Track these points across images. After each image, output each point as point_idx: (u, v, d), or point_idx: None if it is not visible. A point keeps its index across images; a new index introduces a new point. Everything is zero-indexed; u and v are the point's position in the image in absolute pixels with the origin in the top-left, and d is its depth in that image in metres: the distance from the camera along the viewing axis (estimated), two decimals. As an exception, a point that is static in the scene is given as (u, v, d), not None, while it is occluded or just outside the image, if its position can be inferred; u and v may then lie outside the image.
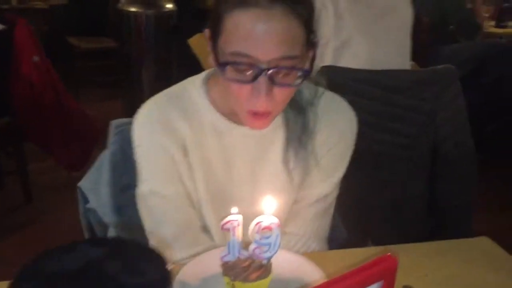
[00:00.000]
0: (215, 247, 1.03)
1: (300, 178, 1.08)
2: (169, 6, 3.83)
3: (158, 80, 3.92)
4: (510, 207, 2.96)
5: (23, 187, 2.82)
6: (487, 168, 2.38)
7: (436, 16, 3.27)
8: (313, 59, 0.95)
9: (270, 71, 0.86)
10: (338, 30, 2.08)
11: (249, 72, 0.88)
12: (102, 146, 1.30)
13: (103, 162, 1.26)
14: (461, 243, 1.10)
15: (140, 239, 1.17)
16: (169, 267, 0.37)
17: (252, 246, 0.83)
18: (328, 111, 1.07)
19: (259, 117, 0.92)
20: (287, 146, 1.05)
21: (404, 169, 1.99)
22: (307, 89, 1.06)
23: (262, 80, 0.87)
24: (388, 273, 0.53)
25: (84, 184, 1.28)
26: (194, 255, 0.99)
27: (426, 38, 3.09)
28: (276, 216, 1.05)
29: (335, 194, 1.13)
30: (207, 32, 0.95)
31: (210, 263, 0.88)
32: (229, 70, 0.89)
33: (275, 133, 1.05)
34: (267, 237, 0.82)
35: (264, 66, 0.86)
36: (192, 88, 1.04)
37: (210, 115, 1.03)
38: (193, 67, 1.12)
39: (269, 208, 0.83)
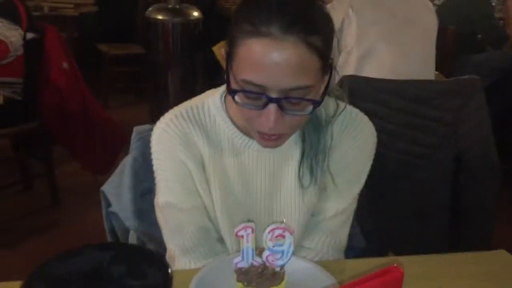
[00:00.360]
0: (231, 255, 1.04)
1: (315, 194, 1.07)
2: (195, 14, 3.88)
3: (184, 86, 3.97)
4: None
5: (51, 190, 2.89)
6: (510, 179, 2.34)
7: (462, 25, 3.23)
8: (328, 82, 0.94)
9: (280, 101, 0.86)
10: (362, 40, 2.09)
11: (259, 100, 0.88)
12: (128, 151, 1.33)
13: (125, 167, 1.29)
14: (479, 256, 1.08)
15: (159, 244, 1.20)
16: (171, 271, 0.38)
17: (265, 254, 0.84)
18: (347, 127, 1.05)
19: (269, 138, 0.93)
20: (303, 163, 1.04)
21: (425, 179, 1.98)
22: (328, 105, 1.05)
23: (272, 108, 0.87)
24: (393, 284, 0.54)
25: (107, 188, 1.31)
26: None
27: (452, 47, 3.05)
28: (293, 231, 1.06)
29: (352, 207, 1.12)
30: (223, 50, 0.95)
31: (224, 269, 0.90)
32: (239, 96, 0.90)
33: (292, 149, 1.04)
34: (280, 245, 0.84)
35: (274, 95, 0.86)
36: (210, 102, 1.05)
37: (227, 130, 1.04)
38: (217, 74, 1.14)
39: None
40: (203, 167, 1.04)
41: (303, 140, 1.04)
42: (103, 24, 4.79)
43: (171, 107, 1.08)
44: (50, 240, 2.59)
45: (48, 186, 2.89)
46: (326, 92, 0.94)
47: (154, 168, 1.06)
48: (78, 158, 2.91)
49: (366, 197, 1.84)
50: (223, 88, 1.06)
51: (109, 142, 2.85)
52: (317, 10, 0.90)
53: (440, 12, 2.88)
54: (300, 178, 1.05)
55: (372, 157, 1.10)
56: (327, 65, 0.91)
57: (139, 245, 1.02)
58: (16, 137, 2.87)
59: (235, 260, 0.85)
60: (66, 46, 2.78)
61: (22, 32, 2.55)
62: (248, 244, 0.84)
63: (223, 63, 0.96)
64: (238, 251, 1.02)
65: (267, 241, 0.83)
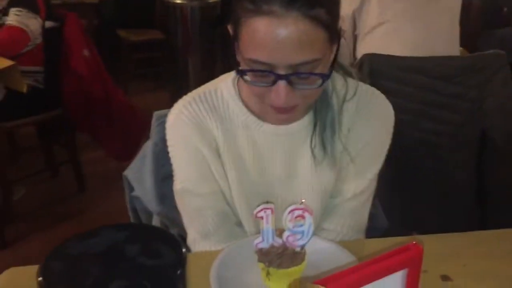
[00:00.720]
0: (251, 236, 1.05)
1: (331, 175, 1.06)
2: (213, -3, 3.87)
3: (203, 70, 3.98)
4: None
5: (76, 177, 2.94)
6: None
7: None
8: (337, 51, 0.92)
9: (289, 77, 0.86)
10: (384, 17, 2.05)
11: (268, 77, 0.87)
12: (149, 136, 1.34)
13: (146, 152, 1.30)
14: (504, 233, 1.07)
15: (182, 227, 1.22)
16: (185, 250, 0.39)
17: (285, 234, 0.84)
18: (362, 106, 1.04)
19: (283, 111, 0.93)
20: (317, 143, 1.03)
21: (450, 157, 1.95)
22: (338, 83, 1.04)
23: (281, 84, 0.87)
24: (413, 261, 0.53)
25: (129, 173, 1.33)
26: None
27: (477, 22, 2.98)
28: (312, 211, 1.06)
29: (372, 188, 1.11)
30: (230, 29, 0.94)
31: (245, 250, 0.90)
32: (249, 74, 0.90)
33: (305, 131, 1.03)
34: (300, 226, 0.84)
35: (282, 72, 0.86)
36: (223, 87, 1.05)
37: (241, 114, 1.03)
38: (236, 58, 1.13)
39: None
40: (217, 152, 1.04)
41: (316, 121, 1.03)
42: (122, 10, 4.80)
43: (191, 91, 1.08)
44: (77, 226, 2.65)
45: (73, 173, 2.94)
46: (335, 62, 0.92)
47: (170, 154, 1.06)
48: (101, 145, 2.95)
49: (389, 177, 1.83)
50: (235, 72, 1.06)
51: (131, 128, 2.87)
52: None
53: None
54: (316, 159, 1.04)
55: (390, 136, 1.08)
56: (334, 34, 0.89)
57: (154, 225, 1.04)
58: (40, 125, 2.92)
59: (256, 241, 0.86)
60: (86, 33, 2.80)
61: (41, 21, 2.57)
62: (268, 225, 0.84)
63: None
64: (257, 233, 1.03)
65: (287, 221, 0.83)
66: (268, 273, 0.85)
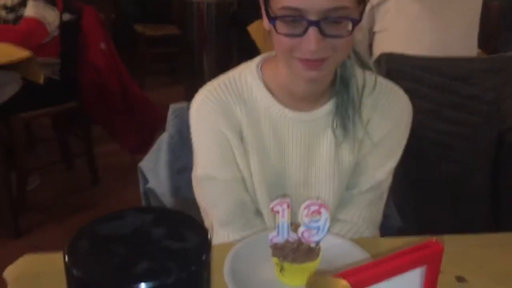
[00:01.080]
0: (267, 230, 1.05)
1: (352, 164, 1.08)
2: (230, -7, 3.87)
3: (219, 66, 3.98)
4: None
5: (90, 169, 2.96)
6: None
7: (507, 0, 3.11)
8: (362, 10, 0.94)
9: (319, 23, 0.88)
10: (401, 16, 2.04)
11: (299, 25, 0.89)
12: (164, 130, 1.35)
13: (161, 144, 1.31)
14: (521, 236, 1.06)
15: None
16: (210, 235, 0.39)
17: (301, 229, 0.84)
18: (382, 98, 1.06)
19: (312, 64, 0.93)
20: (337, 132, 1.05)
21: (465, 160, 1.93)
22: (358, 74, 1.05)
23: (312, 32, 0.88)
24: (432, 258, 0.53)
25: (144, 164, 1.33)
26: (247, 238, 1.02)
27: (496, 24, 2.94)
28: (328, 202, 1.06)
29: (388, 182, 1.12)
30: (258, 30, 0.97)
31: (260, 243, 0.90)
32: (279, 25, 0.91)
33: (326, 118, 1.05)
34: (316, 221, 0.83)
35: (313, 18, 0.88)
36: (247, 72, 1.06)
37: (264, 100, 1.05)
38: (252, 54, 1.14)
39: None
40: (241, 137, 1.05)
41: (337, 111, 1.05)
42: (140, 5, 4.82)
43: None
44: (90, 217, 2.60)
45: (88, 165, 2.96)
46: (362, 17, 0.94)
47: (193, 140, 1.07)
48: (116, 137, 2.96)
49: (404, 178, 1.82)
50: (258, 58, 1.08)
51: (146, 122, 2.89)
52: None
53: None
54: (337, 149, 1.05)
55: (408, 131, 1.10)
56: None
57: (179, 210, 1.04)
58: (56, 117, 2.94)
59: (271, 236, 0.85)
60: (104, 27, 2.81)
61: (58, 13, 2.59)
62: (283, 219, 0.84)
63: (259, 43, 0.97)
64: (275, 223, 1.03)
65: (303, 217, 0.83)
66: (282, 268, 0.85)
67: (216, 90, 1.05)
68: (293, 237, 0.85)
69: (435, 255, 0.52)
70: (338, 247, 0.92)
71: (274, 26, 0.92)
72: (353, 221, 1.09)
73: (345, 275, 0.46)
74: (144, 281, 0.33)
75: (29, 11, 2.52)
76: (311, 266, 0.85)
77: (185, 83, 4.30)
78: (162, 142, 1.31)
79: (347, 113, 1.04)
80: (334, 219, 1.09)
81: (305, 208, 0.83)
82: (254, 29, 2.63)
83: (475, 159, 1.93)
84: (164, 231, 0.37)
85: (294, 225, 0.86)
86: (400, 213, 1.41)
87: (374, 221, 1.12)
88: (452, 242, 0.98)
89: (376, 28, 2.12)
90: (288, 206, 0.84)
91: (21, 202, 2.63)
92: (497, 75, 1.87)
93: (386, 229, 1.25)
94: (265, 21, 0.98)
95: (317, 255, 0.85)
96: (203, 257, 0.36)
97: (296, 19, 0.89)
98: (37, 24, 2.53)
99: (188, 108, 1.11)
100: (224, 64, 4.06)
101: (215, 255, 0.86)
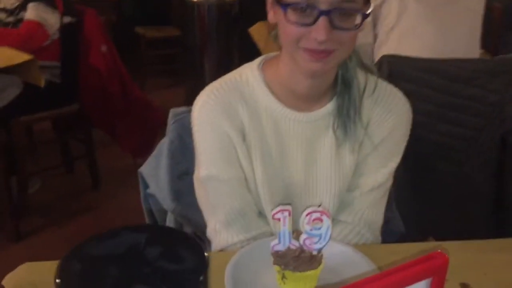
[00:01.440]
0: (270, 232, 1.04)
1: (352, 165, 1.08)
2: (231, -5, 3.86)
3: (220, 68, 3.97)
4: None
5: (91, 172, 2.95)
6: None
7: (509, 1, 3.09)
8: (368, 15, 0.95)
9: (330, 13, 0.88)
10: (402, 17, 2.03)
11: (309, 14, 0.90)
12: (165, 133, 1.34)
13: (162, 149, 1.30)
14: (525, 242, 1.04)
15: (196, 226, 1.21)
16: (208, 254, 0.38)
17: (302, 237, 0.83)
18: (383, 100, 1.06)
19: (318, 55, 0.93)
20: (338, 132, 1.05)
21: (467, 162, 1.91)
22: (360, 76, 1.06)
23: (322, 21, 0.89)
24: (438, 270, 0.52)
25: (145, 170, 1.32)
26: (249, 239, 1.01)
27: (498, 25, 2.93)
28: (329, 203, 1.05)
29: (389, 183, 1.12)
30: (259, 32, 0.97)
31: (262, 251, 0.89)
32: (290, 13, 0.92)
33: (327, 118, 1.06)
34: (318, 228, 0.82)
35: (324, 7, 0.88)
36: (249, 72, 1.07)
37: (266, 100, 1.05)
38: (253, 56, 1.14)
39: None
40: (243, 137, 1.05)
41: (338, 112, 1.05)
42: (141, 7, 4.82)
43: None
44: (91, 221, 2.66)
45: (89, 169, 2.95)
46: (369, 13, 0.95)
47: (196, 141, 1.07)
48: (117, 140, 2.95)
49: (406, 181, 1.80)
50: (259, 59, 1.09)
51: (147, 124, 2.88)
52: None
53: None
54: (338, 150, 1.06)
55: (408, 133, 1.10)
56: None
57: (175, 227, 1.03)
58: (57, 120, 2.94)
59: (272, 243, 0.84)
60: (104, 29, 2.81)
61: (58, 16, 2.58)
62: (285, 227, 0.83)
63: (260, 45, 0.97)
64: (277, 224, 1.02)
65: (304, 224, 0.82)
66: (283, 276, 0.84)
67: (218, 91, 1.05)
68: (294, 244, 0.84)
69: (440, 267, 0.51)
70: (341, 255, 0.91)
71: (285, 14, 0.92)
72: (354, 222, 1.09)
73: (349, 289, 0.44)
74: None
75: (30, 14, 2.51)
76: (313, 274, 0.83)
77: (186, 85, 4.29)
78: (163, 147, 1.30)
79: (348, 114, 1.05)
80: (335, 221, 1.09)
81: (306, 215, 0.82)
82: (256, 31, 2.62)
83: (477, 161, 1.92)
84: (158, 250, 0.36)
85: (296, 233, 0.85)
86: (403, 216, 1.39)
87: (375, 223, 1.12)
88: (455, 248, 0.98)
89: (378, 29, 2.11)
90: (289, 214, 0.82)
91: (21, 205, 2.62)
92: (500, 77, 1.86)
93: (388, 234, 1.23)
94: (271, 14, 0.99)
95: (319, 263, 0.84)
96: (200, 279, 0.35)
97: (308, 8, 0.90)
98: (38, 27, 2.52)
99: (188, 112, 1.10)
100: (225, 66, 4.05)
101: (216, 262, 0.85)
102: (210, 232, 1.08)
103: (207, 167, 1.05)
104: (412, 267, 0.51)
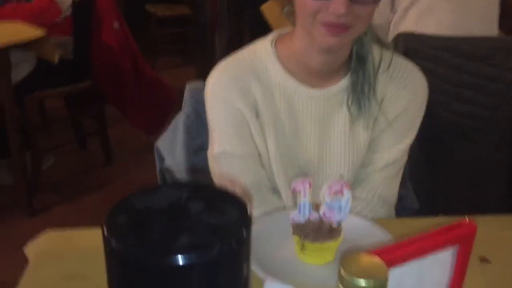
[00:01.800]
0: (283, 207, 1.05)
1: (366, 141, 1.07)
2: (243, -28, 3.82)
3: (231, 46, 3.94)
4: None
5: (104, 149, 2.97)
6: None
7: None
8: None
9: None
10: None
11: None
12: (177, 111, 1.34)
13: (178, 123, 1.30)
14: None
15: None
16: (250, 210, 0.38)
17: (322, 209, 0.83)
18: (398, 76, 1.06)
19: (335, 30, 0.92)
20: (352, 109, 1.05)
21: (484, 141, 1.90)
22: (375, 51, 1.05)
23: None
24: (465, 238, 0.52)
25: (161, 143, 1.33)
26: (263, 214, 1.02)
27: (514, 3, 2.88)
28: (350, 188, 1.05)
29: (404, 160, 1.11)
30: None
31: (281, 222, 0.90)
32: None
33: (341, 95, 1.05)
34: (338, 201, 0.83)
35: None
36: (262, 49, 1.06)
37: (279, 76, 1.04)
38: (264, 34, 1.13)
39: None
40: (257, 113, 1.05)
41: (352, 88, 1.04)
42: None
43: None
44: (103, 197, 2.68)
45: (101, 145, 2.96)
46: None
47: (209, 118, 1.07)
48: (129, 117, 2.96)
49: (421, 159, 1.80)
50: (273, 34, 1.08)
51: (158, 102, 2.88)
52: None
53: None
54: (352, 125, 1.05)
55: (423, 109, 1.09)
56: None
57: (214, 185, 1.04)
58: (69, 97, 2.94)
59: (292, 214, 0.85)
60: (117, 6, 2.79)
61: None
62: (305, 199, 0.83)
63: (272, 22, 0.96)
64: (290, 199, 1.02)
65: (325, 196, 0.82)
66: (303, 246, 0.84)
67: (231, 67, 1.05)
68: (314, 216, 0.84)
69: (468, 235, 0.51)
70: (359, 227, 0.91)
71: None
72: (368, 198, 1.09)
73: (379, 253, 0.45)
74: (185, 256, 0.33)
75: (42, -11, 2.51)
76: (332, 245, 0.84)
77: (197, 63, 4.27)
78: (179, 121, 1.30)
79: (362, 90, 1.04)
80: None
81: (327, 187, 0.82)
82: (268, 8, 2.60)
83: (492, 141, 1.91)
84: (202, 205, 0.36)
85: (315, 204, 0.85)
86: (417, 194, 1.39)
87: (389, 199, 1.12)
88: (475, 222, 0.98)
89: (396, 7, 2.08)
90: (309, 186, 0.83)
91: (36, 181, 2.65)
92: (517, 55, 1.84)
93: (402, 210, 1.24)
94: None
95: (339, 234, 0.84)
96: (244, 232, 0.35)
97: None
98: (50, 2, 2.51)
99: (204, 87, 1.10)
100: (236, 44, 4.01)
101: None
102: None
103: (221, 143, 1.05)
104: (440, 234, 0.51)
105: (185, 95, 1.30)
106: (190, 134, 1.30)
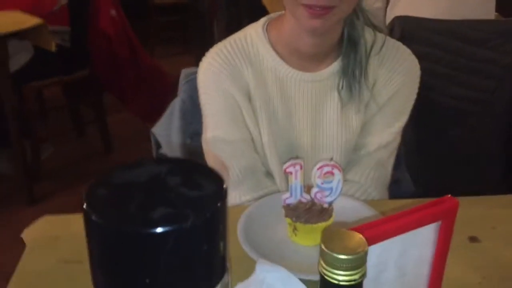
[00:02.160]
0: (278, 191, 1.06)
1: (359, 125, 1.08)
2: (241, -41, 3.80)
3: (230, 33, 3.93)
4: None
5: (102, 137, 2.98)
6: None
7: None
8: None
9: None
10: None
11: None
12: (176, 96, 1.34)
13: (174, 109, 1.31)
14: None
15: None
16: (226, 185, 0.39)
17: (314, 190, 0.84)
18: (390, 58, 1.05)
19: (318, 12, 0.91)
20: (343, 93, 1.05)
21: (480, 125, 1.91)
22: (368, 34, 1.05)
23: None
24: (447, 214, 0.53)
25: (157, 129, 1.33)
26: (258, 198, 1.03)
27: (513, -13, 2.86)
28: (340, 169, 1.06)
29: (397, 142, 1.12)
30: None
31: (273, 205, 0.91)
32: None
33: (332, 78, 1.05)
34: (329, 182, 0.84)
35: None
36: (253, 33, 1.06)
37: (271, 60, 1.05)
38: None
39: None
40: (249, 97, 1.05)
41: (344, 71, 1.04)
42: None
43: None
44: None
45: (100, 133, 2.98)
46: None
47: (202, 103, 1.07)
48: (127, 104, 2.96)
49: (418, 143, 1.80)
50: (264, 19, 1.08)
51: (157, 89, 2.88)
52: None
53: None
54: (344, 109, 1.05)
55: (415, 91, 1.09)
56: None
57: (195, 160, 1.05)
58: (68, 85, 2.95)
59: (284, 196, 0.86)
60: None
61: None
62: (296, 181, 0.84)
63: (268, 8, 0.96)
64: (285, 183, 1.03)
65: (316, 178, 0.83)
66: (295, 228, 0.85)
67: (223, 52, 1.05)
68: (306, 198, 0.85)
69: (450, 211, 0.52)
70: (351, 209, 0.92)
71: None
72: (360, 181, 1.09)
73: (360, 229, 0.46)
74: (161, 226, 0.34)
75: (38, -21, 2.50)
76: (324, 226, 0.85)
77: (196, 51, 4.27)
78: (174, 107, 1.31)
79: (353, 74, 1.04)
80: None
81: (318, 169, 0.83)
82: (267, -4, 2.59)
83: (490, 124, 1.91)
84: (180, 179, 0.38)
85: (307, 186, 0.86)
86: (413, 178, 1.40)
87: (382, 182, 1.12)
88: (465, 203, 0.97)
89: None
90: (301, 168, 0.84)
91: (35, 170, 2.66)
92: (514, 39, 1.84)
93: (398, 195, 1.24)
94: None
95: (330, 215, 0.85)
96: (219, 204, 0.37)
97: None
98: (46, -9, 2.51)
99: (199, 73, 1.10)
100: (235, 31, 4.02)
101: (228, 216, 0.87)
102: None
103: (213, 129, 1.06)
104: (421, 210, 0.52)
105: (180, 80, 1.31)
106: (186, 120, 1.30)
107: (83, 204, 0.36)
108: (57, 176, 2.81)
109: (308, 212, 0.84)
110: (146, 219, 0.35)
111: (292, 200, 0.86)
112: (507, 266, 0.85)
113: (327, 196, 0.84)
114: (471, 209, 0.97)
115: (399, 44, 1.08)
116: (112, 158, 2.97)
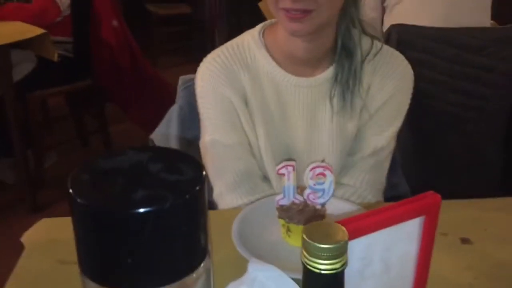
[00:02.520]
0: (274, 194, 1.07)
1: (353, 130, 1.09)
2: (242, -30, 3.84)
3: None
4: None
5: (106, 147, 3.00)
6: None
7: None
8: None
9: None
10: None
11: None
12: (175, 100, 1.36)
13: (172, 116, 1.33)
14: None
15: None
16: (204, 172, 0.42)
17: (306, 192, 0.86)
18: (383, 64, 1.07)
19: (294, 16, 0.93)
20: (336, 93, 1.06)
21: (477, 131, 1.92)
22: (365, 43, 1.06)
23: None
24: (430, 209, 0.54)
25: (155, 136, 1.35)
26: (254, 202, 1.04)
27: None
28: (332, 171, 1.07)
29: (391, 147, 1.13)
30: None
31: (267, 207, 0.92)
32: None
33: (327, 84, 1.06)
34: (321, 183, 0.85)
35: None
36: (250, 39, 1.09)
37: (267, 65, 1.07)
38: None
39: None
40: (246, 101, 1.07)
41: (338, 76, 1.06)
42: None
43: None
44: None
45: (103, 143, 3.00)
46: None
47: (200, 107, 1.09)
48: (129, 114, 2.99)
49: (414, 148, 1.82)
50: (261, 25, 1.11)
51: (158, 99, 2.91)
52: None
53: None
54: (338, 114, 1.07)
55: (409, 97, 1.11)
56: None
57: (177, 149, 1.07)
58: (71, 95, 2.98)
59: (277, 198, 0.87)
60: (115, 4, 2.83)
61: None
62: (289, 182, 0.86)
63: (268, 17, 0.97)
64: (281, 187, 1.04)
65: (308, 179, 0.85)
66: (288, 229, 0.87)
67: (220, 57, 1.07)
68: (299, 199, 0.87)
69: (433, 206, 0.54)
70: (344, 210, 0.94)
71: None
72: (355, 185, 1.10)
73: (343, 222, 0.47)
74: (142, 207, 0.37)
75: (42, -10, 2.54)
76: (317, 227, 0.86)
77: (198, 62, 4.30)
78: (173, 113, 1.33)
79: (347, 83, 1.05)
80: (337, 184, 1.10)
81: (310, 170, 0.84)
82: (264, 4, 2.62)
83: (486, 131, 1.93)
84: (161, 166, 0.40)
85: (300, 188, 0.87)
86: (410, 183, 1.41)
87: (377, 186, 1.13)
88: (458, 206, 1.00)
89: (388, 1, 2.10)
90: (293, 169, 0.85)
91: (38, 178, 2.69)
92: (510, 45, 1.85)
93: (394, 199, 1.25)
94: None
95: (323, 216, 0.87)
96: (197, 188, 0.39)
97: None
98: (50, 2, 2.55)
99: (197, 79, 1.12)
100: (236, 41, 4.05)
101: (223, 218, 0.88)
102: (215, 196, 1.11)
103: (211, 132, 1.08)
104: (404, 205, 0.53)
105: (178, 87, 1.33)
106: (184, 126, 1.32)
107: (68, 189, 0.38)
108: (60, 185, 2.79)
109: (301, 213, 0.86)
110: (128, 200, 0.37)
111: (285, 201, 0.87)
112: (498, 267, 0.86)
113: (319, 197, 0.86)
114: (464, 211, 0.99)
115: (393, 50, 1.10)
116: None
